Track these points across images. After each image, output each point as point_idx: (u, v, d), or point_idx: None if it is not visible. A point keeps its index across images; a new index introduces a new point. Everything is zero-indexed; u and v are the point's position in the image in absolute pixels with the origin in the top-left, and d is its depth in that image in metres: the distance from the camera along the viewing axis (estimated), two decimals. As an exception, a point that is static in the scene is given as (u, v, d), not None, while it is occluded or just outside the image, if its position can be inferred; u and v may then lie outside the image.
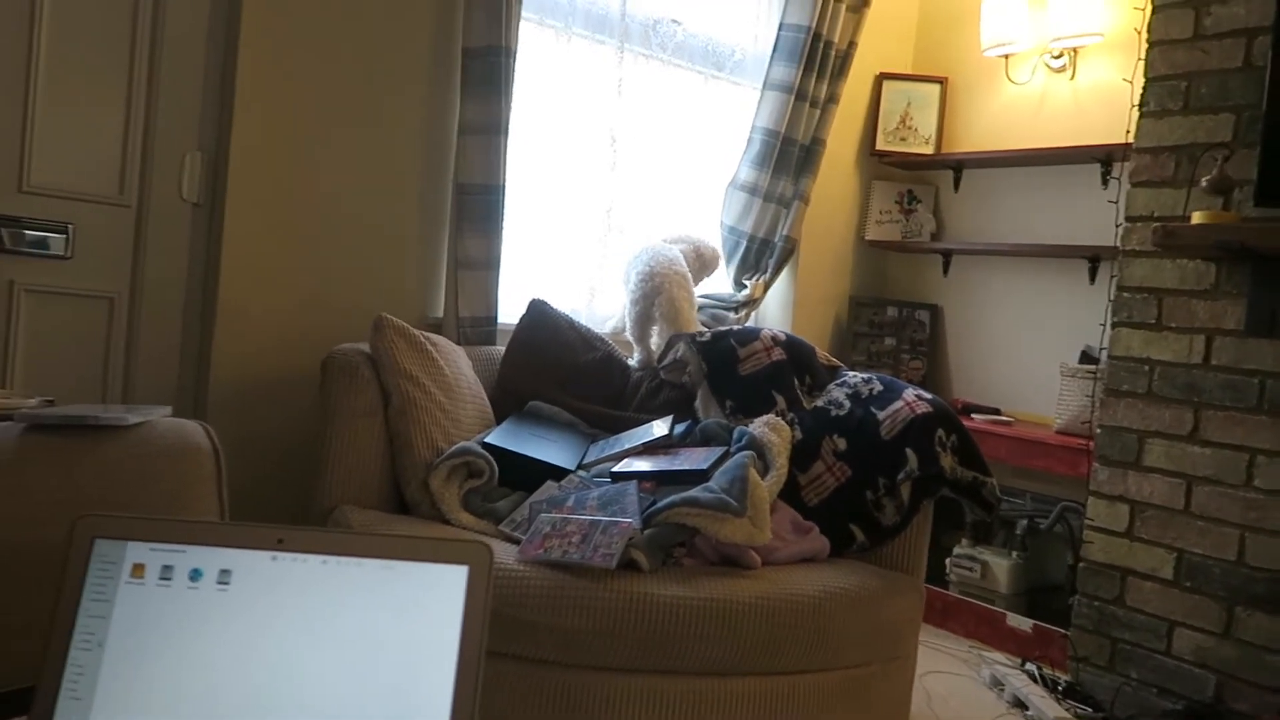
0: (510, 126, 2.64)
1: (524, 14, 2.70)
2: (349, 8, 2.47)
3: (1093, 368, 3.00)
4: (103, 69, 2.23)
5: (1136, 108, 2.65)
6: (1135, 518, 2.58)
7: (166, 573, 0.79)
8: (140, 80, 2.27)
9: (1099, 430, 2.67)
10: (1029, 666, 2.73)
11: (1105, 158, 3.23)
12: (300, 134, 2.43)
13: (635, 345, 2.72)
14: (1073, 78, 3.36)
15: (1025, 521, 3.19)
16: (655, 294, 2.68)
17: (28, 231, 2.17)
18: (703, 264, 2.96)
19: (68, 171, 2.21)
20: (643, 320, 2.69)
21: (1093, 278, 3.29)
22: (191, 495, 1.06)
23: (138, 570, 0.79)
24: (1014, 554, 3.16)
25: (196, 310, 2.39)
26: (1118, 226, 2.77)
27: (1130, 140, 2.66)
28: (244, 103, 2.34)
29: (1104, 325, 2.74)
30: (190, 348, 2.39)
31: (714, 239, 3.11)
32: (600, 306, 3.08)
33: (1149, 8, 2.61)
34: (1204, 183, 2.38)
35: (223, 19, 2.36)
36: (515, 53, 2.62)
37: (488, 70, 2.57)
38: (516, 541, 1.86)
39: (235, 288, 2.37)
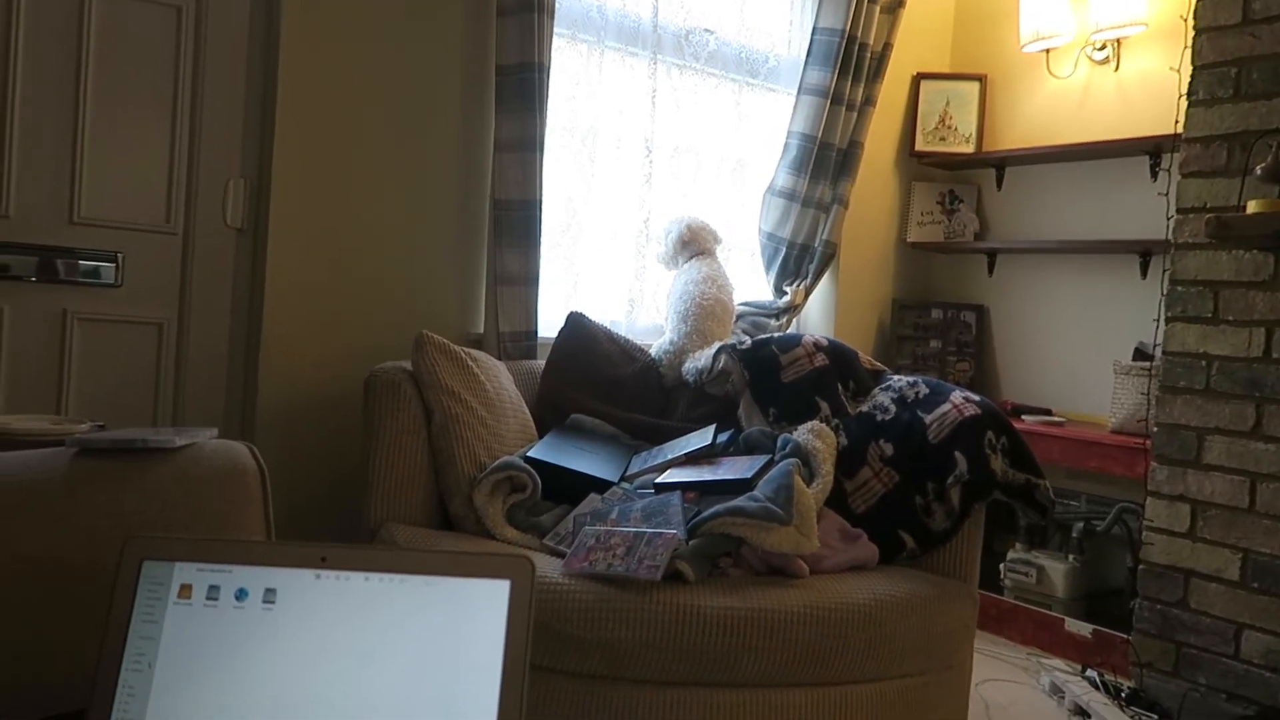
0: (545, 142, 2.66)
1: (556, 30, 2.72)
2: (383, 31, 2.50)
3: (1147, 365, 2.92)
4: (147, 101, 2.28)
5: (1184, 97, 2.58)
6: (1197, 518, 2.50)
7: (213, 593, 0.80)
8: (184, 110, 2.32)
9: (1156, 428, 2.60)
10: (1090, 673, 2.66)
11: (1153, 149, 3.16)
12: (339, 157, 2.46)
13: (684, 369, 2.66)
14: (1117, 69, 3.30)
15: (1081, 524, 3.11)
16: (699, 332, 2.67)
17: (80, 262, 2.22)
18: (696, 235, 2.88)
19: (116, 202, 2.26)
20: (691, 349, 2.66)
21: (1144, 272, 3.21)
22: (238, 516, 1.07)
23: (185, 591, 0.80)
24: (1070, 558, 3.08)
25: (242, 333, 2.43)
26: (1169, 219, 2.70)
27: (1179, 130, 2.60)
28: (284, 128, 2.38)
29: (1157, 321, 2.67)
30: (236, 370, 2.43)
31: (715, 224, 3.04)
32: (641, 317, 3.07)
33: (1193, -6, 2.55)
34: (1259, 171, 2.32)
35: (260, 47, 2.40)
36: (548, 69, 2.63)
37: (521, 87, 2.58)
38: (561, 555, 1.85)
39: (279, 310, 2.40)
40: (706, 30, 3.18)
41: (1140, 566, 2.62)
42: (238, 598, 0.80)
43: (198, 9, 2.32)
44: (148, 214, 2.30)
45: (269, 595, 0.80)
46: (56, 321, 2.21)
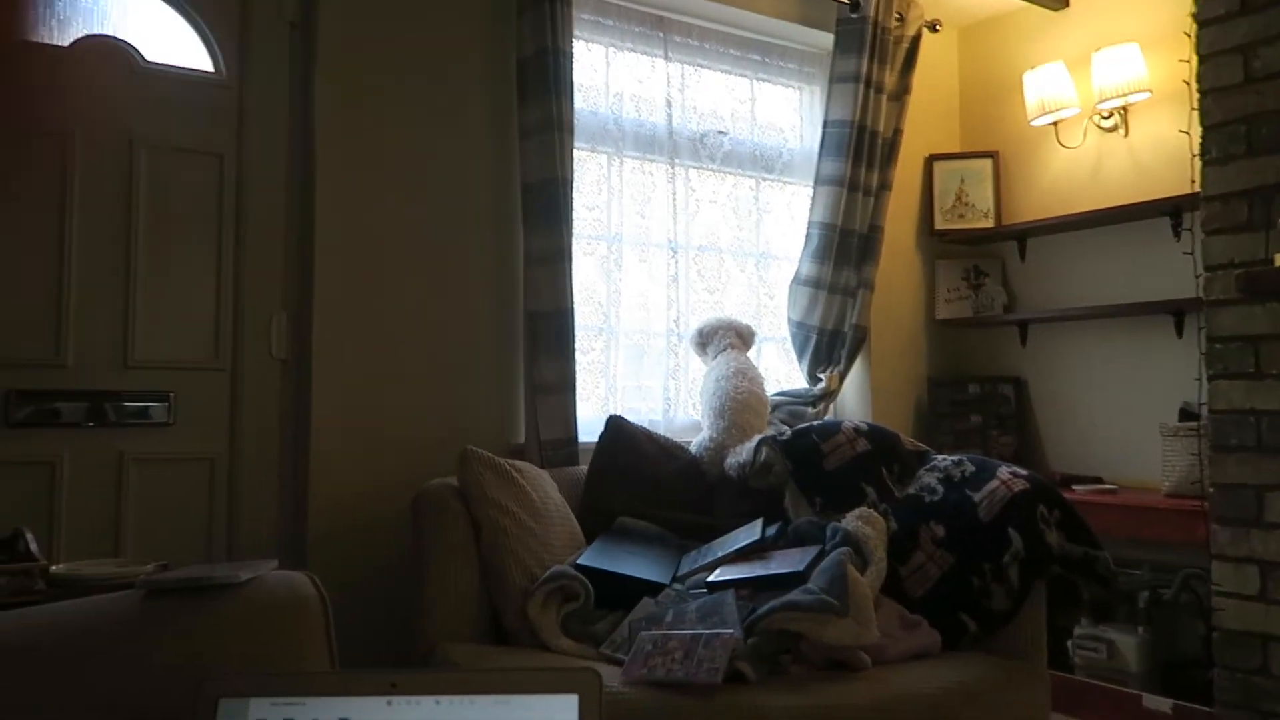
0: (573, 252, 2.73)
1: (576, 144, 2.82)
2: (413, 158, 2.62)
3: (1194, 424, 2.88)
4: (194, 244, 2.39)
5: (1198, 157, 2.62)
6: (1267, 578, 2.43)
7: (287, 727, 0.81)
8: (228, 251, 2.43)
9: (1212, 489, 2.55)
10: (1176, 751, 2.55)
11: (1173, 210, 3.18)
12: (376, 284, 2.55)
13: (726, 464, 2.66)
14: (1126, 135, 3.35)
15: (1147, 593, 3.02)
16: (736, 425, 2.68)
17: (131, 404, 2.29)
18: (744, 340, 2.96)
19: (167, 343, 2.34)
20: (731, 443, 2.67)
21: (1180, 331, 3.20)
22: (304, 646, 1.08)
23: (260, 727, 0.81)
24: (1140, 629, 2.99)
25: (290, 462, 2.48)
26: (1198, 277, 2.70)
27: (1197, 189, 2.62)
28: (322, 262, 2.48)
29: (1199, 379, 2.65)
30: (287, 499, 2.47)
31: (743, 318, 3.11)
32: (679, 415, 3.09)
33: (1194, 59, 2.61)
34: (1280, 224, 2.33)
35: (298, 187, 2.52)
36: (571, 182, 2.73)
37: (547, 202, 2.67)
38: (619, 663, 1.83)
39: (325, 437, 2.45)
40: (720, 132, 3.28)
41: (1214, 634, 2.53)
42: (312, 730, 0.81)
43: (239, 155, 2.45)
44: (196, 352, 2.38)
45: (342, 726, 0.80)
46: (112, 464, 2.27)
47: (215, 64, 2.45)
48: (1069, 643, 3.08)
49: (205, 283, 2.40)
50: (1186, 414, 3.04)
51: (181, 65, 2.41)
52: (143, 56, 2.35)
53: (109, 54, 2.31)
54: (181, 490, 2.35)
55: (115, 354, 2.28)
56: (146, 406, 2.31)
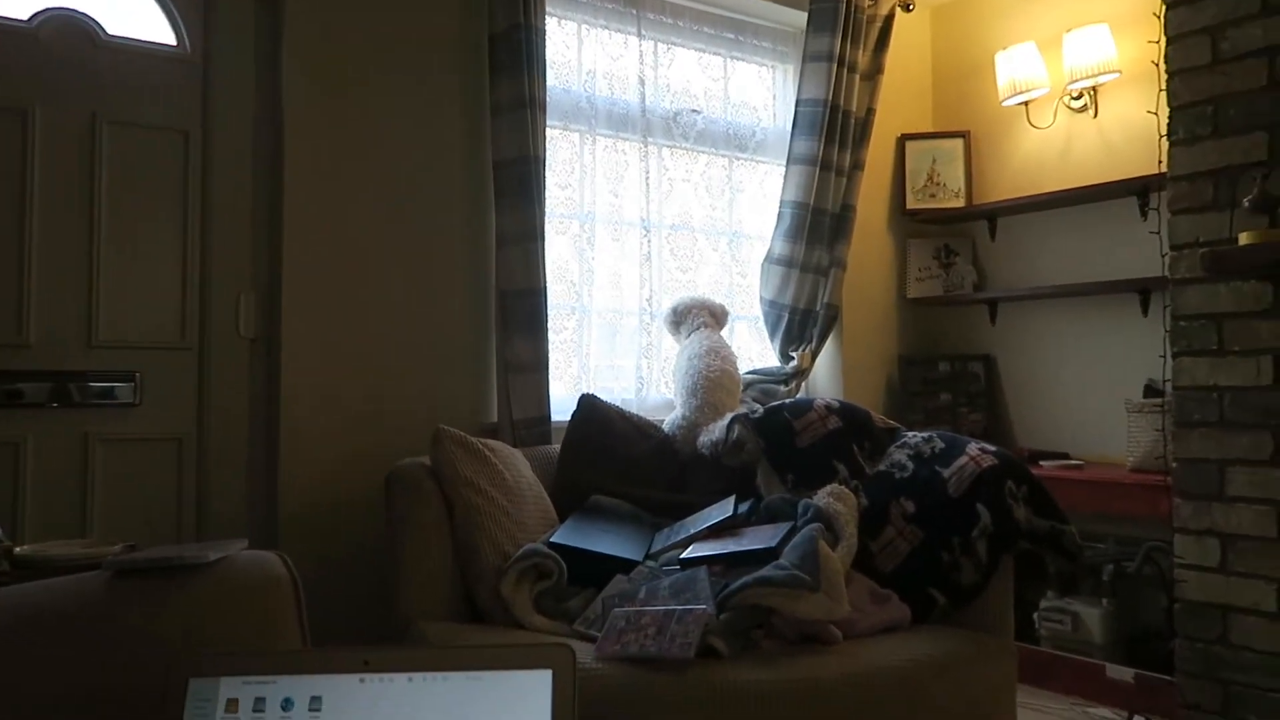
0: (545, 231, 2.72)
1: (549, 122, 2.80)
2: (384, 136, 2.59)
3: (1159, 401, 2.93)
4: (158, 222, 2.35)
5: (1165, 137, 2.64)
6: (1227, 551, 2.48)
7: (259, 705, 0.81)
8: (194, 228, 2.39)
9: (1175, 464, 2.60)
10: (1137, 719, 2.60)
11: (1141, 190, 3.21)
12: (346, 261, 2.52)
13: (699, 442, 2.66)
14: (1095, 116, 3.38)
15: (1111, 566, 3.08)
16: (709, 404, 2.69)
17: (96, 384, 2.26)
18: (718, 319, 2.97)
19: (132, 322, 2.31)
20: (704, 421, 2.68)
21: (1145, 310, 3.24)
22: (275, 626, 1.08)
23: (232, 706, 0.81)
24: (1104, 601, 3.04)
25: (261, 441, 2.46)
26: (1164, 256, 2.73)
27: (1164, 170, 2.65)
28: (291, 238, 2.45)
29: (1164, 357, 2.69)
30: (257, 479, 2.45)
31: (716, 297, 3.12)
32: (651, 394, 3.10)
33: (1163, 39, 2.63)
34: (1246, 203, 2.36)
35: (266, 162, 2.48)
36: (544, 160, 2.71)
37: (519, 180, 2.66)
38: (592, 639, 1.84)
39: (296, 416, 2.43)
40: (693, 110, 3.27)
41: (1176, 605, 2.59)
42: (284, 708, 0.81)
43: (204, 132, 2.41)
44: (163, 331, 2.35)
45: (315, 703, 0.81)
46: (78, 445, 2.24)
47: (179, 38, 2.40)
48: (1035, 615, 3.14)
49: (171, 261, 2.37)
50: (1151, 391, 3.09)
51: (144, 39, 2.36)
52: (104, 30, 2.30)
53: (69, 28, 2.26)
54: (149, 471, 2.32)
55: (79, 333, 2.25)
56: (112, 387, 2.28)
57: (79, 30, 2.27)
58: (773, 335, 3.32)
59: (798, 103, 3.30)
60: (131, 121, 2.31)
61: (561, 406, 2.78)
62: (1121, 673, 2.86)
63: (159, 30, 2.39)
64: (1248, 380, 2.44)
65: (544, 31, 2.74)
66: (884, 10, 3.47)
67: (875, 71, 3.45)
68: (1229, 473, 2.48)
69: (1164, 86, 2.63)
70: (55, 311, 2.22)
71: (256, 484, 2.45)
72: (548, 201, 2.76)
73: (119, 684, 0.96)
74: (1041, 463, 3.22)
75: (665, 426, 2.73)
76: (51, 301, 2.21)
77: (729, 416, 2.56)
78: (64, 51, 2.25)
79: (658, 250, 3.15)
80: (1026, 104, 3.52)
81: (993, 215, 3.69)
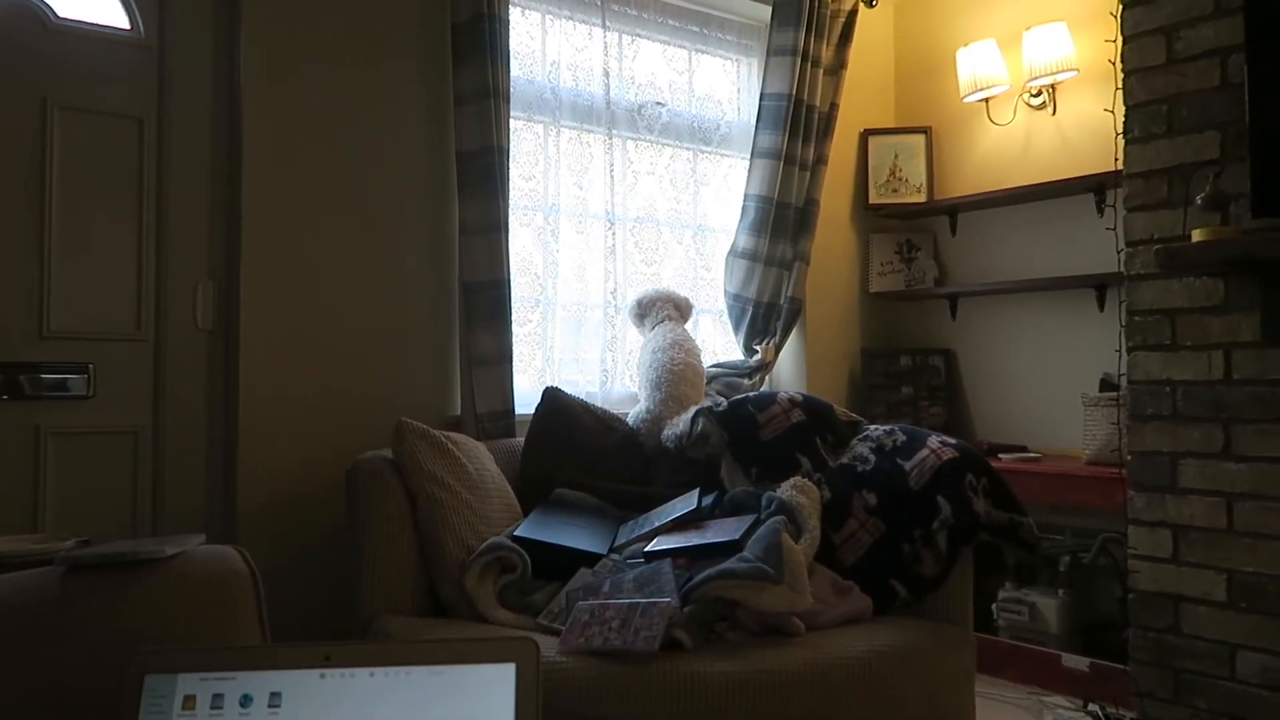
0: (509, 223, 2.70)
1: (513, 113, 2.78)
2: (345, 126, 2.55)
3: (1114, 395, 2.98)
4: (113, 211, 2.30)
5: (1121, 136, 2.69)
6: (1179, 542, 2.53)
7: (218, 701, 0.79)
8: (149, 218, 2.34)
9: (1130, 457, 2.65)
10: (1092, 707, 2.66)
11: (1097, 187, 3.27)
12: (306, 252, 2.49)
13: (664, 435, 2.66)
14: (1054, 113, 3.42)
15: (1068, 557, 3.13)
16: (673, 397, 2.69)
17: (48, 375, 2.21)
18: (682, 312, 2.98)
19: (86, 313, 2.26)
20: (668, 414, 2.68)
21: (1101, 305, 3.30)
22: (233, 621, 1.06)
23: (189, 702, 0.79)
24: (1060, 592, 3.10)
25: (219, 435, 2.42)
26: (1119, 252, 2.78)
27: (1120, 167, 2.69)
28: (250, 228, 2.41)
29: (1119, 351, 2.74)
30: (215, 473, 2.41)
31: (681, 290, 3.13)
32: (615, 387, 3.09)
33: (1119, 39, 2.67)
34: (1199, 201, 2.40)
35: (224, 151, 2.44)
36: (508, 151, 2.69)
37: (482, 171, 2.63)
38: (556, 633, 1.84)
39: (254, 408, 2.39)
40: (658, 103, 3.27)
41: (1129, 595, 2.64)
42: (242, 704, 0.79)
43: (160, 119, 2.36)
44: (117, 322, 2.30)
45: (274, 699, 0.79)
46: (29, 438, 2.19)
47: (133, 22, 2.35)
48: (993, 606, 3.19)
49: (126, 251, 2.32)
50: (1107, 385, 3.15)
51: (98, 23, 2.30)
52: (55, 13, 2.24)
53: (18, 10, 2.20)
54: (103, 465, 2.27)
55: (30, 324, 2.19)
56: (65, 379, 2.23)
57: (28, 13, 2.21)
58: (737, 328, 3.33)
59: (762, 97, 3.31)
60: (84, 108, 2.26)
61: (525, 399, 2.77)
62: (1077, 662, 2.91)
63: (112, 14, 2.33)
64: (1199, 375, 2.50)
65: (507, 21, 2.71)
66: (847, 6, 3.49)
67: (839, 66, 3.47)
68: (1181, 465, 2.53)
69: (1120, 85, 2.68)
70: (4, 301, 2.16)
71: (214, 478, 2.41)
72: (511, 193, 2.75)
73: (73, 681, 0.94)
74: (1000, 455, 3.26)
75: (630, 419, 2.72)
76: (1, 291, 2.16)
77: (693, 409, 2.56)
78: (13, 34, 2.19)
79: (622, 243, 3.15)
80: (987, 101, 3.56)
81: (953, 211, 3.73)
